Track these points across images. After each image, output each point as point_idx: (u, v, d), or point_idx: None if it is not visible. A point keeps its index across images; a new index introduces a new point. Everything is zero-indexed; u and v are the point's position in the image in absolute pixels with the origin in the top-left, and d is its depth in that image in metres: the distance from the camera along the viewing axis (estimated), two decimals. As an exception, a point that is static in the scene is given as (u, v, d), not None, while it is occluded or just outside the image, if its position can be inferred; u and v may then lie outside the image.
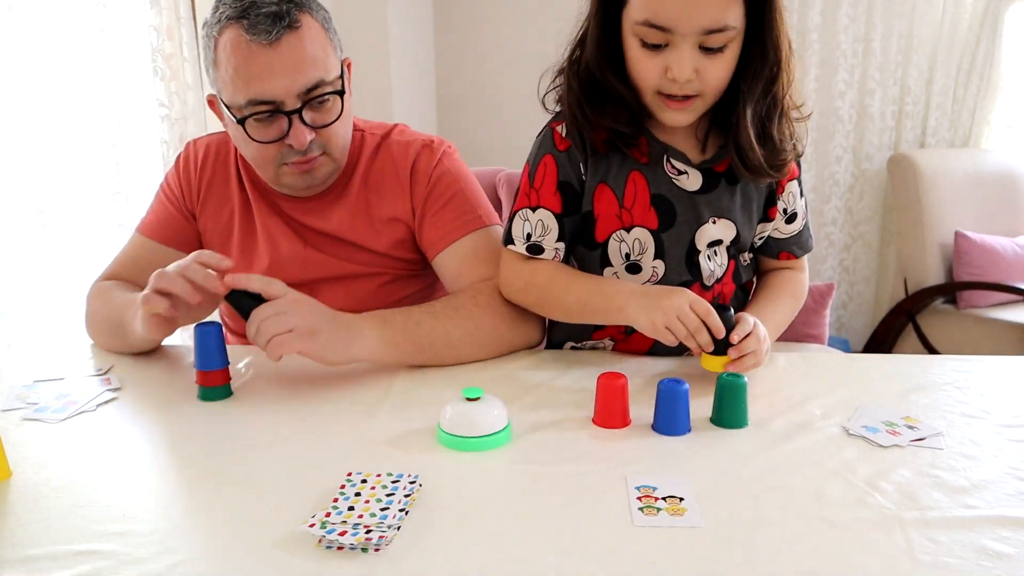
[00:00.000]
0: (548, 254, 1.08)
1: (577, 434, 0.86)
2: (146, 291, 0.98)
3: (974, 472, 0.77)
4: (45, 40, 1.74)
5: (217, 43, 1.06)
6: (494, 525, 0.68)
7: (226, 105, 1.09)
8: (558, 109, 1.08)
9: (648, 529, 0.67)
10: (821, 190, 3.36)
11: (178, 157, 1.30)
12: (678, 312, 0.93)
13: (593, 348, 1.17)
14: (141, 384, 1.04)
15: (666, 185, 1.05)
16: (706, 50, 0.93)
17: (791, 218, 1.13)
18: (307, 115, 1.09)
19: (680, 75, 0.93)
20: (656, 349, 1.12)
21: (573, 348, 1.18)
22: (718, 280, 1.11)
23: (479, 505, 0.71)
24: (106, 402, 0.98)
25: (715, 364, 0.95)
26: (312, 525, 0.65)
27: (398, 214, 1.22)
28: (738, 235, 1.08)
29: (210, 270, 0.97)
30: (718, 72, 0.95)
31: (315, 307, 0.97)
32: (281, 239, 1.23)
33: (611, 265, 1.09)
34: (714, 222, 1.06)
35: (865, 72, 3.23)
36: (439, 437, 0.83)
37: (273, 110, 1.07)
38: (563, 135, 1.06)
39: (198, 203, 1.26)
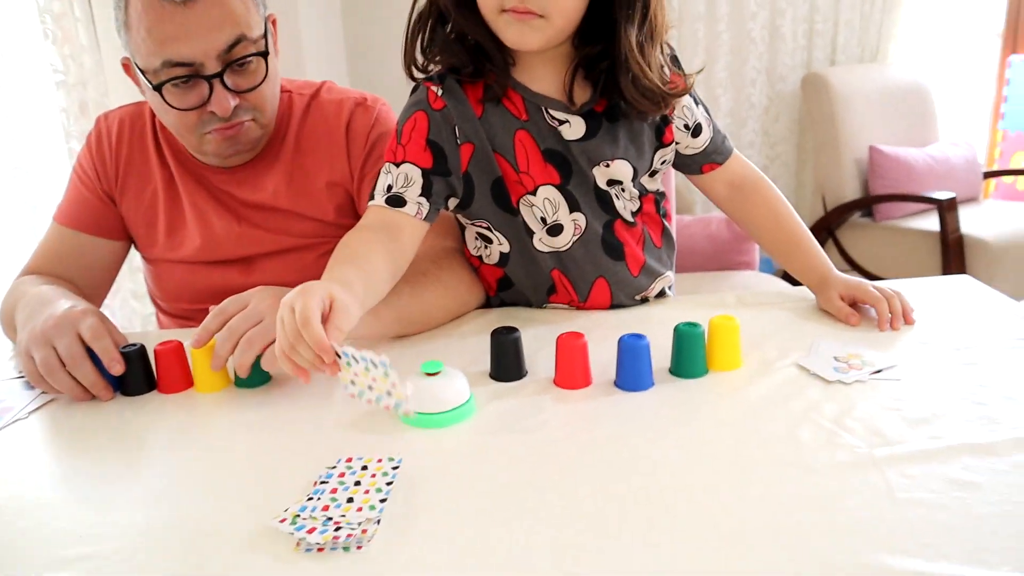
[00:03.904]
0: (410, 208, 0.98)
1: (541, 398, 0.84)
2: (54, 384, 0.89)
3: (933, 401, 0.79)
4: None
5: (128, 3, 0.97)
6: (478, 503, 0.65)
7: (141, 70, 1.00)
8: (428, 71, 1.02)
9: (627, 488, 0.66)
10: (737, 114, 3.38)
11: (88, 135, 1.19)
12: (280, 312, 0.76)
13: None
14: (71, 384, 0.97)
15: (552, 138, 1.01)
16: None
17: (696, 131, 1.08)
18: (229, 79, 1.01)
19: None
20: (616, 304, 1.10)
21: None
22: (636, 212, 1.08)
23: (457, 484, 0.68)
24: (38, 408, 0.91)
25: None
26: (283, 520, 0.62)
27: (336, 178, 1.15)
28: (635, 171, 1.04)
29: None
30: None
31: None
32: (212, 216, 1.15)
33: (533, 232, 1.05)
34: (607, 166, 1.02)
35: (775, -8, 3.24)
36: (401, 416, 0.80)
37: (191, 74, 0.99)
38: (438, 94, 0.99)
39: (116, 185, 1.17)
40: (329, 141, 1.15)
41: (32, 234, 1.85)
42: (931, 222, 2.81)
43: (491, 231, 1.07)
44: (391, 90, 1.24)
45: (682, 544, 0.59)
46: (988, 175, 3.29)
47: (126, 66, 1.07)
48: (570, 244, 1.05)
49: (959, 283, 1.14)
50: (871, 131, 3.07)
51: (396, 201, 0.98)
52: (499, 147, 1.01)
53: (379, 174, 1.01)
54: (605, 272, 1.06)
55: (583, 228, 1.04)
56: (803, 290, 1.12)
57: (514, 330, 0.88)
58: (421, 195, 0.99)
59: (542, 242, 1.05)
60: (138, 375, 0.92)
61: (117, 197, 1.18)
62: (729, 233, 2.33)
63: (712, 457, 0.71)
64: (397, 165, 0.99)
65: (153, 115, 1.17)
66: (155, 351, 0.92)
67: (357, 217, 1.17)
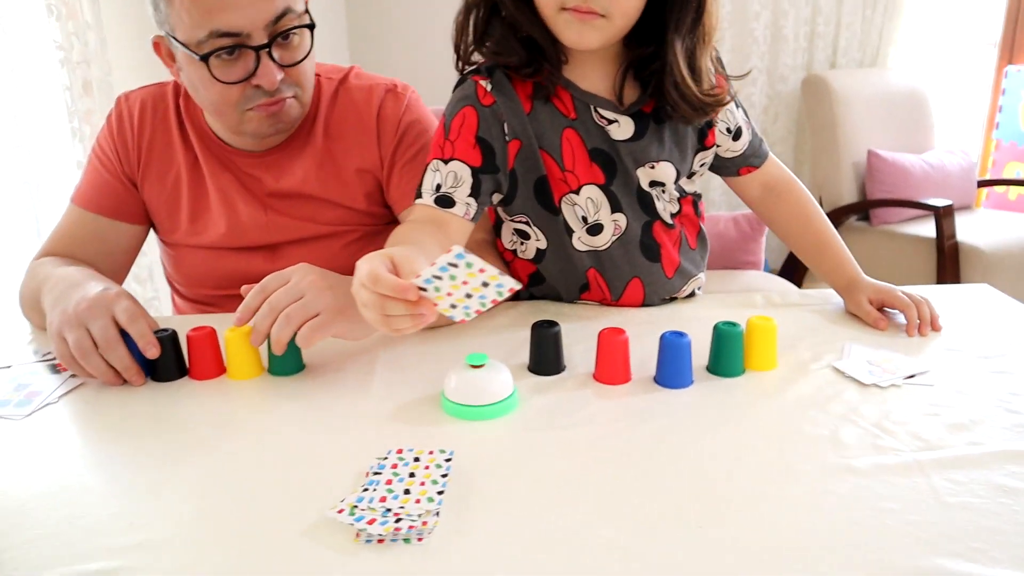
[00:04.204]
0: (459, 208, 0.97)
1: (583, 393, 0.84)
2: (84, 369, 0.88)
3: (968, 408, 0.80)
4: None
5: None
6: (531, 497, 0.65)
7: (181, 43, 0.98)
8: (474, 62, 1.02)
9: (677, 485, 0.66)
10: (738, 113, 3.39)
11: (109, 116, 1.17)
12: (357, 297, 0.74)
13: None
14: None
15: (599, 137, 1.01)
16: None
17: (737, 134, 1.09)
18: (275, 52, 1.00)
19: None
20: (647, 304, 1.10)
21: None
22: (676, 214, 1.09)
23: (509, 478, 0.69)
24: (68, 392, 0.89)
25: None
26: (341, 511, 0.62)
27: (366, 164, 1.14)
28: (678, 173, 1.05)
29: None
30: None
31: (331, 282, 0.88)
32: (239, 201, 1.14)
33: (573, 231, 1.05)
34: (652, 167, 1.03)
35: (780, -7, 3.25)
36: (444, 406, 0.80)
37: (238, 44, 0.97)
38: (488, 90, 0.99)
39: (139, 169, 1.15)
40: (359, 127, 1.14)
41: (33, 212, 1.83)
42: (927, 228, 2.84)
43: (530, 226, 1.07)
44: (391, 74, 1.23)
45: (732, 542, 0.59)
46: (982, 184, 3.32)
47: (157, 45, 1.05)
48: (609, 244, 1.05)
49: (979, 291, 1.16)
50: (869, 135, 3.10)
51: (445, 201, 0.97)
52: (546, 145, 1.01)
53: (425, 170, 1.00)
54: (640, 272, 1.07)
55: (623, 228, 1.05)
56: (827, 292, 1.13)
57: (554, 324, 0.88)
58: (470, 195, 0.98)
59: (581, 241, 1.05)
60: (170, 360, 0.91)
61: (139, 180, 1.16)
62: (736, 233, 2.34)
63: (756, 456, 0.72)
64: (446, 162, 0.98)
65: (176, 96, 1.16)
66: (188, 336, 0.91)
67: (385, 205, 1.17)
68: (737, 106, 1.08)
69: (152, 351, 0.88)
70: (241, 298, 0.89)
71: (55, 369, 0.95)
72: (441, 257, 0.68)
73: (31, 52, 1.81)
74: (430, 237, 0.92)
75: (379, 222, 1.19)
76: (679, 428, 0.77)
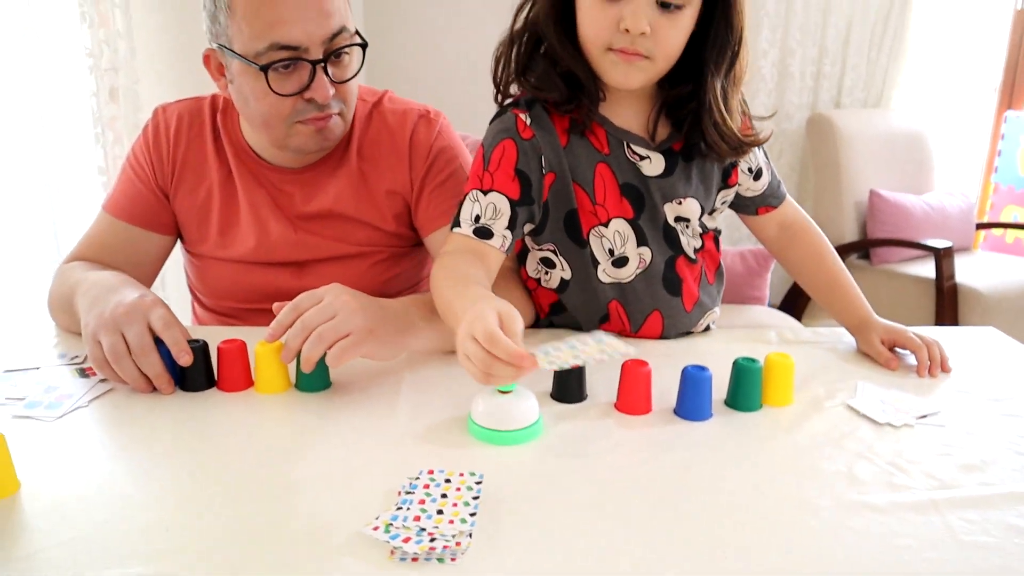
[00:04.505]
0: (496, 240, 0.99)
1: (605, 423, 0.86)
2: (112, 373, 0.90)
3: (979, 449, 0.82)
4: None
5: None
6: (560, 522, 0.67)
7: (239, 55, 1.01)
8: (511, 94, 1.05)
9: (700, 515, 0.68)
10: (743, 148, 3.44)
11: (145, 127, 1.20)
12: (462, 348, 0.75)
13: None
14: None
15: (631, 172, 1.04)
16: (663, 6, 0.91)
17: (757, 174, 1.13)
18: (329, 68, 1.03)
19: (635, 26, 0.90)
20: (665, 336, 1.12)
21: None
22: (699, 250, 1.12)
23: (537, 503, 0.70)
24: (98, 396, 0.91)
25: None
26: (376, 528, 0.64)
27: (396, 187, 1.17)
28: (702, 209, 1.09)
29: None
30: (672, 35, 0.93)
31: (363, 303, 0.90)
32: (270, 218, 1.16)
33: (599, 263, 1.08)
34: (679, 203, 1.07)
35: (787, 32, 3.31)
36: (471, 429, 0.82)
37: (295, 57, 1.01)
38: (527, 123, 1.01)
39: (172, 182, 1.18)
40: (392, 150, 1.17)
41: (55, 214, 1.85)
42: (927, 269, 2.88)
43: (556, 255, 1.09)
44: (405, 86, 1.27)
45: (751, 573, 0.61)
46: (980, 226, 3.37)
47: (207, 58, 1.08)
48: (633, 276, 1.08)
49: (985, 335, 1.18)
50: (872, 175, 3.15)
51: (484, 233, 0.99)
52: (580, 178, 1.03)
53: (463, 199, 1.02)
54: (661, 305, 1.09)
55: (647, 263, 1.07)
56: (838, 331, 1.16)
57: None
58: (507, 227, 1.00)
59: (606, 273, 1.08)
60: (200, 371, 0.93)
61: (171, 192, 1.18)
62: (743, 268, 2.38)
63: (775, 489, 0.74)
64: (485, 193, 1.00)
65: (213, 111, 1.18)
66: (219, 348, 0.93)
67: (411, 227, 1.19)
68: (758, 147, 1.11)
69: (185, 358, 0.90)
70: (265, 313, 0.91)
71: (83, 373, 0.97)
72: (576, 336, 0.75)
73: (61, 57, 1.84)
74: (477, 270, 0.94)
75: (405, 244, 1.22)
76: (700, 460, 0.79)
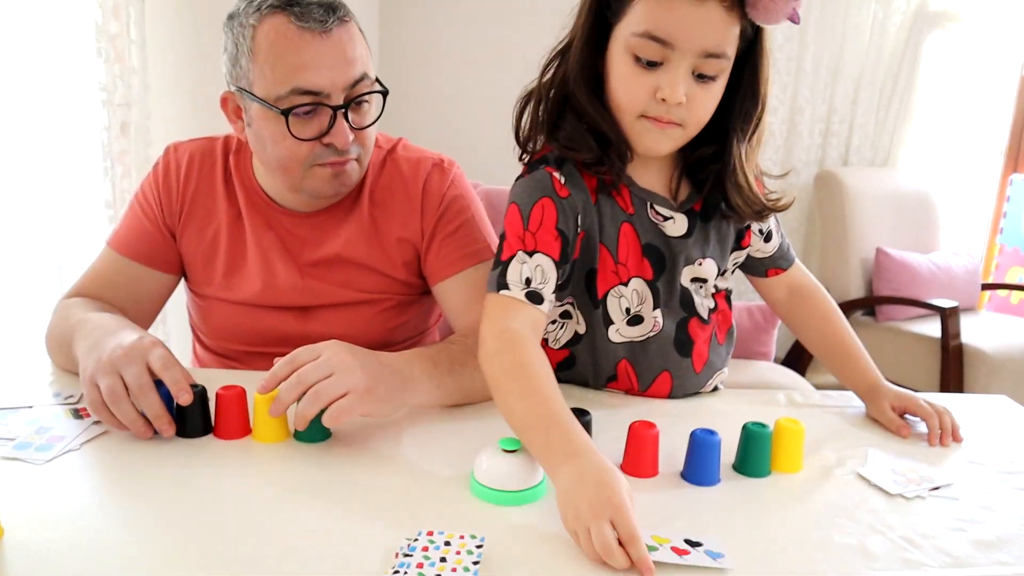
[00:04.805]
0: (546, 306, 0.95)
1: (609, 484, 0.84)
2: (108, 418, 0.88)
3: (995, 525, 0.80)
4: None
5: (256, 32, 0.99)
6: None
7: (260, 99, 1.01)
8: (531, 146, 1.03)
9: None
10: (749, 202, 3.45)
11: (156, 164, 1.19)
12: (593, 524, 0.68)
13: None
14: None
15: (653, 233, 1.04)
16: (699, 77, 0.91)
17: (768, 236, 1.14)
18: (349, 114, 1.04)
19: (672, 96, 0.90)
20: (672, 396, 1.11)
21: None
22: (712, 311, 1.11)
23: (537, 566, 0.68)
24: (91, 439, 0.89)
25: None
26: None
27: (407, 235, 1.16)
28: (718, 270, 1.09)
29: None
30: (706, 103, 0.94)
31: (361, 358, 0.88)
32: (277, 262, 1.15)
33: (613, 323, 1.06)
34: (699, 264, 1.06)
35: (796, 90, 3.34)
36: (473, 488, 0.80)
37: (317, 103, 1.01)
38: (562, 182, 0.98)
39: (180, 221, 1.17)
40: (404, 198, 1.16)
41: (62, 247, 1.85)
42: (932, 327, 2.86)
43: (574, 308, 1.08)
44: (419, 99, 1.26)
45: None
46: (985, 287, 3.36)
47: (225, 101, 1.08)
48: (645, 337, 1.06)
49: (996, 403, 1.17)
50: (878, 233, 3.15)
51: (535, 298, 0.93)
52: (605, 238, 1.02)
53: (508, 260, 0.94)
54: (671, 366, 1.08)
55: (660, 325, 1.06)
56: (847, 395, 1.14)
57: (586, 413, 0.89)
58: (552, 291, 0.96)
59: (619, 332, 1.06)
60: (197, 416, 0.91)
61: (178, 232, 1.18)
62: (750, 323, 2.36)
63: (787, 561, 0.71)
64: (530, 255, 0.95)
65: (226, 152, 1.18)
66: (217, 395, 0.91)
67: (421, 276, 1.18)
68: None
69: (185, 397, 0.88)
70: (268, 357, 0.90)
71: (77, 414, 0.95)
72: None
73: (74, 90, 1.85)
74: (544, 363, 0.88)
75: (414, 292, 1.21)
76: (708, 527, 0.76)
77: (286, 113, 1.01)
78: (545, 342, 1.12)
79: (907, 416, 1.04)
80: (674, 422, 0.95)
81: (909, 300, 2.95)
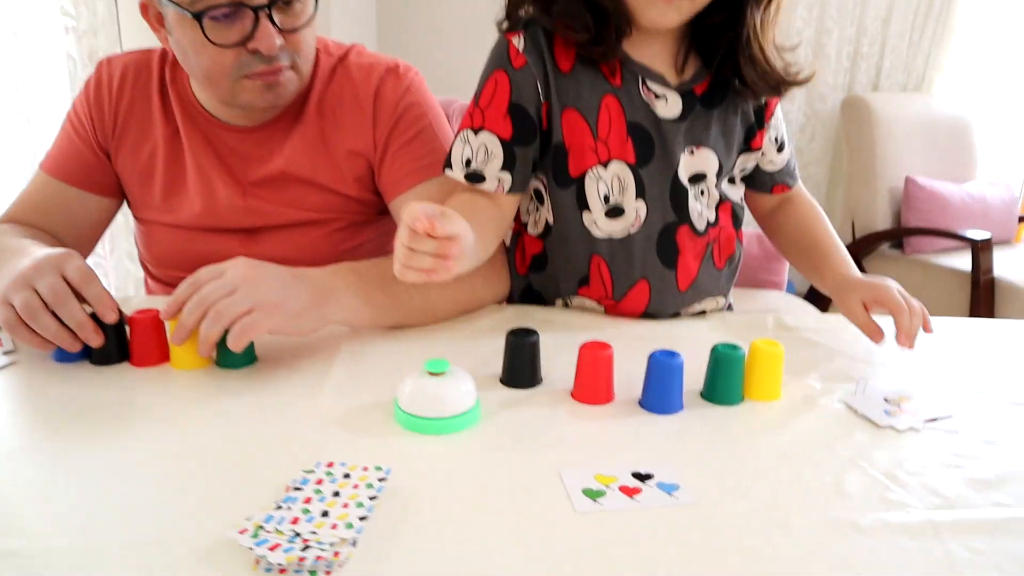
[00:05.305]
0: (490, 184, 0.92)
1: (555, 411, 0.74)
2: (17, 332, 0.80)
3: (995, 461, 0.69)
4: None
5: None
6: (474, 526, 0.56)
7: (172, 1, 0.90)
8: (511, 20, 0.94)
9: (649, 528, 0.56)
10: (773, 130, 3.28)
11: (88, 81, 1.09)
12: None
13: (581, 307, 1.04)
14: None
15: (642, 112, 0.93)
16: None
17: (781, 146, 1.04)
18: (275, 15, 0.92)
19: None
20: (651, 312, 1.01)
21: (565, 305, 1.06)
22: (711, 224, 0.99)
23: (452, 503, 0.59)
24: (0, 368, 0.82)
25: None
26: (244, 531, 0.53)
27: (359, 147, 1.05)
28: (720, 167, 0.97)
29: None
30: None
31: (269, 273, 0.81)
32: (217, 182, 1.06)
33: (588, 209, 0.96)
34: (692, 152, 0.95)
35: (823, 10, 3.14)
36: (396, 417, 0.71)
37: (235, 3, 0.89)
38: (520, 49, 0.91)
39: (113, 138, 1.07)
40: (355, 107, 1.05)
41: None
42: (963, 261, 2.70)
43: (545, 190, 0.99)
44: (420, 55, 1.15)
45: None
46: (1023, 219, 3.18)
47: (144, 8, 0.97)
48: (625, 234, 0.96)
49: (1016, 328, 1.04)
50: (908, 161, 2.97)
51: (475, 178, 0.92)
52: (583, 108, 0.93)
53: (455, 137, 0.94)
54: (650, 275, 0.98)
55: (642, 220, 0.96)
56: (846, 319, 1.02)
57: (532, 332, 0.79)
58: (503, 168, 0.92)
59: (596, 224, 0.97)
60: (111, 343, 0.83)
61: (112, 151, 1.08)
62: (759, 250, 2.23)
63: (747, 501, 0.61)
64: (476, 132, 0.92)
65: (163, 65, 1.08)
66: (130, 320, 0.83)
67: (375, 192, 1.08)
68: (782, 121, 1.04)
69: (111, 316, 0.80)
70: None
71: (-9, 342, 0.88)
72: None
73: (36, 18, 1.76)
74: (486, 207, 0.92)
75: (369, 210, 1.11)
76: (660, 459, 0.66)
77: (199, 16, 0.89)
78: (524, 227, 1.05)
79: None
80: (644, 345, 0.84)
81: (939, 231, 2.80)
